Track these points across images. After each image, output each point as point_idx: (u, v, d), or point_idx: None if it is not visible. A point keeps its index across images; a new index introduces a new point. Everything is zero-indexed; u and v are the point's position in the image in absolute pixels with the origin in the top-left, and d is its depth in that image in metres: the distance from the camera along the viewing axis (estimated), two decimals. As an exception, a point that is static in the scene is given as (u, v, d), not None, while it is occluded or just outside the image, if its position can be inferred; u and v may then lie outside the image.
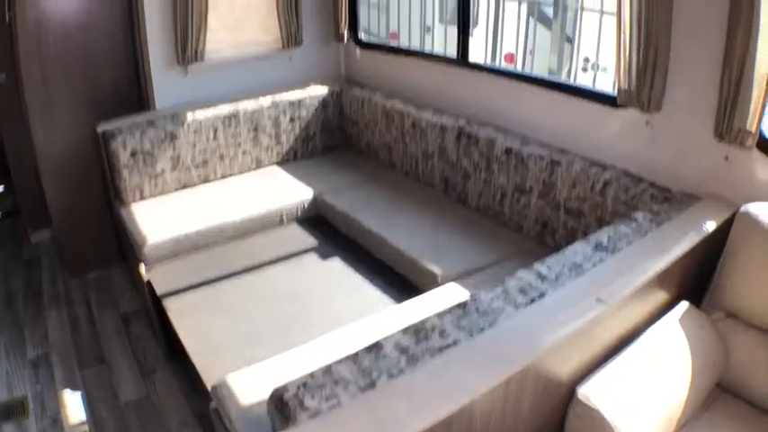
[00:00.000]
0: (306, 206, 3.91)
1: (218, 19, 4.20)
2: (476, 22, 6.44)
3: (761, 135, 2.33)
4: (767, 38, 2.16)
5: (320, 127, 4.55)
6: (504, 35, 6.16)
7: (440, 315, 1.83)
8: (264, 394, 1.73)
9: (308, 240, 3.69)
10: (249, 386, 2.21)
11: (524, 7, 5.99)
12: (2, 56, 4.43)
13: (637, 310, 2.06)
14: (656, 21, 2.48)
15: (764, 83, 2.22)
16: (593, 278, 1.97)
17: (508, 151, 3.28)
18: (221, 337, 2.81)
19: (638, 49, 2.58)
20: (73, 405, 3.37)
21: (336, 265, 3.41)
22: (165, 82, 4.15)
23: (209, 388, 2.37)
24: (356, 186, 4.00)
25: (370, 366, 1.62)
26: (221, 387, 2.25)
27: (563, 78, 6.11)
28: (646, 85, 2.61)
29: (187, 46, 4.07)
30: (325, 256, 3.52)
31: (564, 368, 1.83)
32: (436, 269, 2.99)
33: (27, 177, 4.84)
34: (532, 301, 1.86)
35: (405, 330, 1.77)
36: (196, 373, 2.65)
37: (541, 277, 1.98)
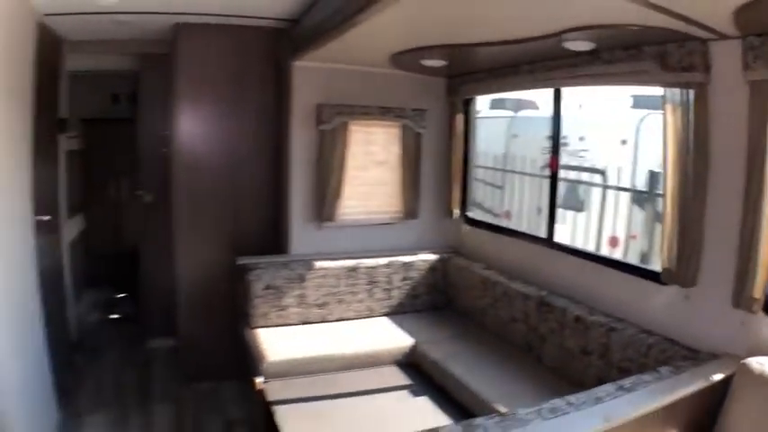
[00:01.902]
0: (406, 352, 4.51)
1: (351, 189, 5.17)
2: (583, 207, 7.13)
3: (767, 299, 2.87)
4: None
5: (427, 288, 5.25)
6: (606, 218, 6.77)
7: (487, 418, 2.45)
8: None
9: (403, 380, 4.26)
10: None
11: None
12: (151, 180, 5.80)
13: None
14: (692, 218, 3.14)
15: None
16: (607, 406, 2.52)
17: (577, 319, 3.84)
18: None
19: (679, 240, 3.22)
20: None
21: (422, 403, 3.94)
22: (300, 233, 5.12)
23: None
24: (450, 341, 4.56)
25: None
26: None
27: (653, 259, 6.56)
28: (684, 266, 3.20)
29: (323, 208, 5.04)
30: (415, 394, 4.07)
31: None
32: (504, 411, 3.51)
33: (153, 291, 6.01)
34: (556, 416, 2.42)
35: (459, 423, 2.42)
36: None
37: (569, 404, 2.52)
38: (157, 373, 5.61)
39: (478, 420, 2.43)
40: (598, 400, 2.57)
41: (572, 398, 2.59)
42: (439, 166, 5.49)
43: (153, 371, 5.67)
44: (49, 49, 4.72)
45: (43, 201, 4.50)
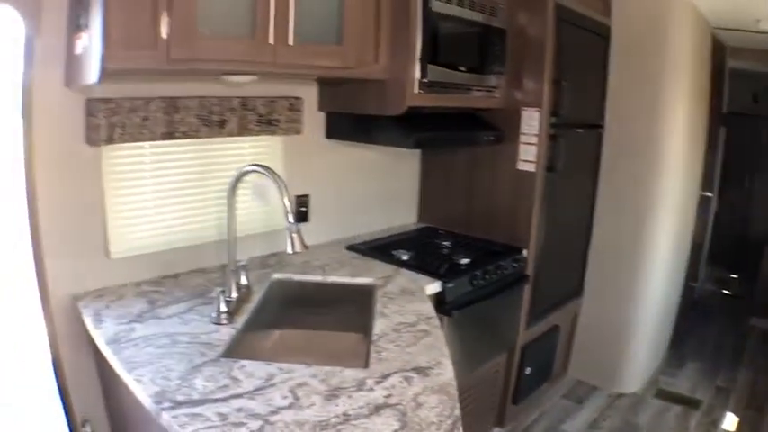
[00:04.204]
0: None
1: None
2: None
3: None
4: None
5: None
6: None
7: None
8: None
9: None
10: None
11: None
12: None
13: None
14: None
15: None
16: None
17: None
18: None
19: None
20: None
21: None
22: None
23: None
24: None
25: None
26: None
27: None
28: None
29: None
30: None
31: None
32: None
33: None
34: None
35: None
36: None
37: None
38: (750, 345, 6.57)
39: None
40: None
41: None
42: None
43: (747, 342, 6.65)
44: (717, 55, 5.99)
45: (704, 181, 6.05)
